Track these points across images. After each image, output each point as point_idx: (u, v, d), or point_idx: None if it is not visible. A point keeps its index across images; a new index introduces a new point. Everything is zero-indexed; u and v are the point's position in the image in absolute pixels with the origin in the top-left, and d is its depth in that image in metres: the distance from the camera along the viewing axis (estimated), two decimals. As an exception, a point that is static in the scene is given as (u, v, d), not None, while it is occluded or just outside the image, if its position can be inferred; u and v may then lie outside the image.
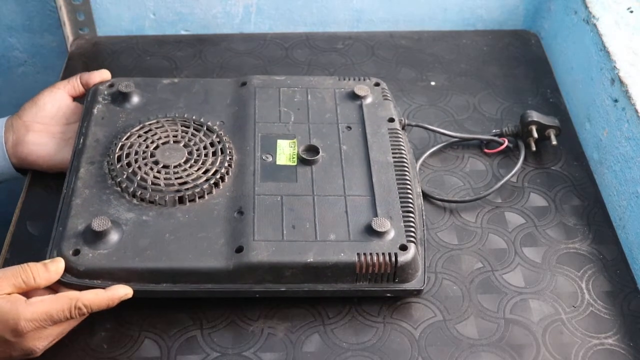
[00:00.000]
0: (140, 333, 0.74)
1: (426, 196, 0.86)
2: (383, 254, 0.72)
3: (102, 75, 0.88)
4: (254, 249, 0.72)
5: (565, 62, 1.04)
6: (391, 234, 0.74)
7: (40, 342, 0.67)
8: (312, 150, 0.82)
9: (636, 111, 0.83)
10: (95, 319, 0.73)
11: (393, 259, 0.72)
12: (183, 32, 1.12)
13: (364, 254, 0.72)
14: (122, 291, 0.70)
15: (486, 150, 0.93)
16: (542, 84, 1.04)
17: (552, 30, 1.09)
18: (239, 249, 0.72)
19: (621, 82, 0.86)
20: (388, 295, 0.75)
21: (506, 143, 0.91)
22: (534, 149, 0.92)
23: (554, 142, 0.91)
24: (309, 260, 0.72)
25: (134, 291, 0.71)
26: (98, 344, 0.73)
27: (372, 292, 0.74)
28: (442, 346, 0.74)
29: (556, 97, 1.02)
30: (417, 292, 0.75)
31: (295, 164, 0.81)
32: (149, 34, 1.11)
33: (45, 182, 0.88)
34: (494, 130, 0.94)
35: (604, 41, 0.92)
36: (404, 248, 0.73)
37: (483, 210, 0.87)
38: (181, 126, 0.83)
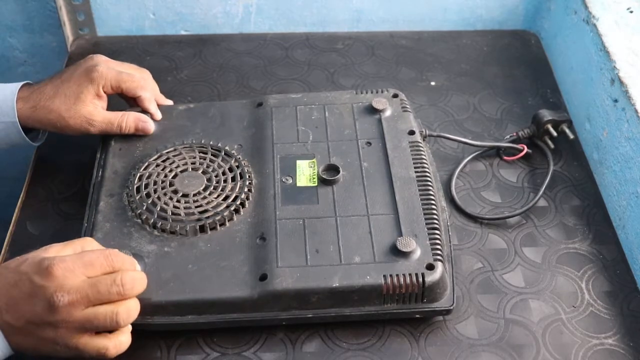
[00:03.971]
0: (141, 333, 0.74)
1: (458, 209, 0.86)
2: (410, 274, 0.71)
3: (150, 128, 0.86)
4: (278, 276, 0.71)
5: (565, 62, 1.04)
6: (417, 253, 0.73)
7: (65, 294, 0.63)
8: (332, 169, 0.81)
9: (636, 111, 0.83)
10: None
11: (420, 279, 0.71)
12: (183, 32, 1.12)
13: (390, 275, 0.71)
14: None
15: (506, 158, 0.92)
16: (542, 84, 1.04)
17: (552, 30, 1.09)
18: (263, 277, 0.71)
19: (621, 82, 0.86)
20: (417, 316, 0.74)
21: (526, 149, 0.91)
22: (552, 147, 0.92)
23: (572, 136, 0.92)
24: (334, 285, 0.71)
25: (159, 324, 0.71)
26: (98, 344, 0.73)
27: (400, 314, 0.73)
28: (442, 346, 0.74)
29: (556, 97, 1.02)
30: (446, 312, 0.74)
31: (315, 184, 0.79)
32: (149, 34, 1.11)
33: (46, 182, 0.88)
34: (508, 136, 0.93)
35: (603, 41, 0.92)
36: (430, 267, 0.72)
37: (483, 210, 0.86)
38: (199, 152, 0.82)
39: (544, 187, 0.87)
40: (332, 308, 0.72)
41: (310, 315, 0.73)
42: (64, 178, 0.89)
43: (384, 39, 1.11)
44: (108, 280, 0.65)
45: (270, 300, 0.71)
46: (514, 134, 0.93)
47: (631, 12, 0.96)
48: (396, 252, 0.73)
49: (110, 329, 0.66)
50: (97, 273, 0.66)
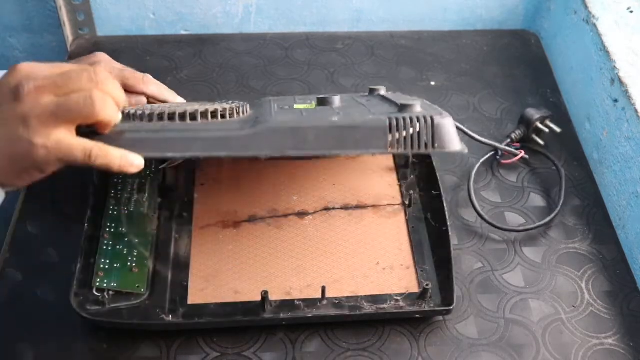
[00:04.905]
0: (141, 332, 0.74)
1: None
2: (417, 117, 0.66)
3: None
4: (274, 116, 0.67)
5: (565, 62, 1.04)
6: (421, 108, 0.68)
7: (31, 81, 0.58)
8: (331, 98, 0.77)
9: (636, 111, 0.83)
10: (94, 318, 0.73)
11: (429, 120, 0.66)
12: (183, 32, 1.12)
13: (396, 118, 0.66)
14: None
15: (503, 162, 0.91)
16: (542, 84, 1.04)
17: (552, 30, 1.09)
18: (257, 119, 0.68)
19: (621, 82, 0.86)
20: (417, 316, 0.73)
21: (523, 153, 0.90)
22: (543, 143, 0.92)
23: (559, 130, 0.92)
24: (334, 119, 0.66)
25: (156, 325, 0.70)
26: (98, 344, 0.73)
27: (400, 314, 0.73)
28: (442, 346, 0.74)
29: (556, 97, 1.02)
30: (446, 312, 0.74)
31: (313, 107, 0.76)
32: (149, 34, 1.11)
33: (46, 182, 0.88)
34: (504, 144, 0.92)
35: (603, 41, 0.92)
36: (439, 113, 0.67)
37: (483, 210, 0.86)
38: (191, 104, 0.79)
39: (562, 195, 0.87)
40: (332, 150, 0.66)
41: (310, 316, 0.73)
42: (64, 178, 0.88)
43: (384, 39, 1.11)
44: (79, 68, 0.59)
45: (264, 136, 0.65)
46: (508, 139, 0.92)
47: (631, 12, 0.96)
48: (401, 107, 0.68)
49: (87, 118, 0.60)
50: (65, 69, 0.60)
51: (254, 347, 0.73)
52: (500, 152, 0.92)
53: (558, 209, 0.86)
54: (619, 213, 0.86)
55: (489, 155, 0.91)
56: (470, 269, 0.81)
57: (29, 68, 0.59)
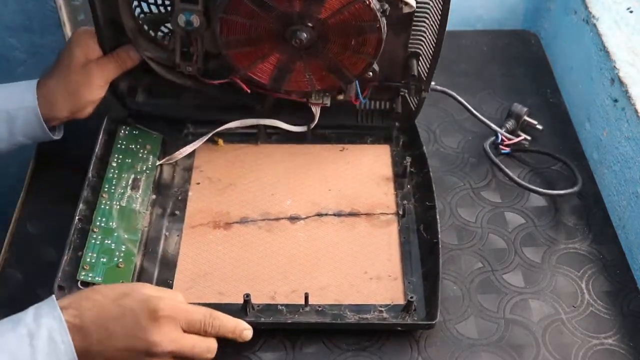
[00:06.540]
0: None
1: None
2: None
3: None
4: None
5: (565, 62, 1.04)
6: None
7: (166, 341, 0.66)
8: None
9: (636, 111, 0.83)
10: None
11: None
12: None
13: None
14: (247, 327, 0.71)
15: (506, 144, 0.92)
16: (542, 84, 1.04)
17: (552, 30, 1.09)
18: None
19: (621, 82, 0.86)
20: (399, 329, 0.74)
21: (524, 136, 0.92)
22: (529, 138, 0.93)
23: (540, 127, 0.93)
24: None
25: None
26: (98, 344, 0.73)
27: (381, 325, 0.73)
28: (442, 346, 0.74)
29: (556, 97, 1.02)
30: (428, 327, 0.73)
31: None
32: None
33: (46, 182, 0.88)
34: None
35: (603, 41, 0.92)
36: None
37: (483, 210, 0.86)
38: None
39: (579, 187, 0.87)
40: None
41: (290, 322, 0.73)
42: (64, 178, 0.88)
43: (384, 39, 1.11)
44: (203, 347, 0.68)
45: None
46: (503, 127, 0.92)
47: (631, 12, 0.96)
48: None
49: None
50: (195, 331, 0.68)
51: (254, 347, 0.73)
52: (500, 138, 0.92)
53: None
54: (619, 213, 0.86)
55: (491, 139, 0.91)
56: (470, 269, 0.81)
57: (166, 321, 0.66)
